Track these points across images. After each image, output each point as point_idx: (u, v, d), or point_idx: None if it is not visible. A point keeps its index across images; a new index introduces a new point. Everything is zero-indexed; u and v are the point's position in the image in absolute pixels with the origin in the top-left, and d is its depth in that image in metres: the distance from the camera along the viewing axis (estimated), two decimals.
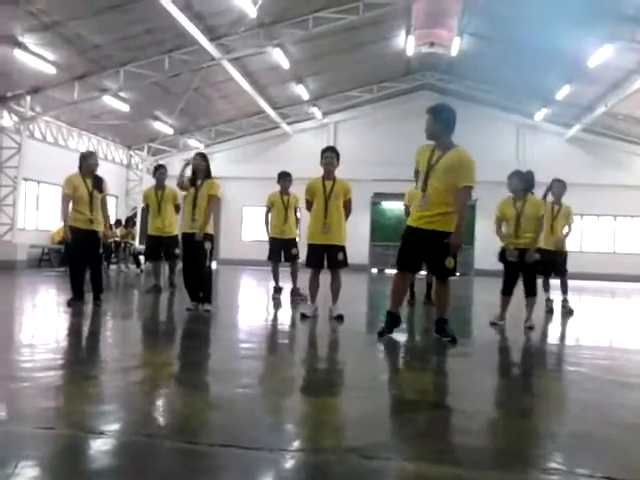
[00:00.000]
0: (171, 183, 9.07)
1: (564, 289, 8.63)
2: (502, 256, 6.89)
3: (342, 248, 6.90)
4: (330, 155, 6.94)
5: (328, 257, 6.85)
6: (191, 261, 7.15)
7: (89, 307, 7.19)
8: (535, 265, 6.78)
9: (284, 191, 9.11)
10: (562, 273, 8.62)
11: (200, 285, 7.19)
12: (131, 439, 2.65)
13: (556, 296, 8.66)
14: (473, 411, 3.32)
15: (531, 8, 13.55)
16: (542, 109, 21.40)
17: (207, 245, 7.03)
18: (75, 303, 7.23)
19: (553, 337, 7.09)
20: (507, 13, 14.23)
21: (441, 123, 5.40)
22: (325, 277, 7.02)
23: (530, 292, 6.80)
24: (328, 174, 6.91)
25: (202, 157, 7.22)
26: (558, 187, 8.39)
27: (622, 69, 16.42)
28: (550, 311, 8.39)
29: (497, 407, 3.56)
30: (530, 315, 6.77)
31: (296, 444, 2.67)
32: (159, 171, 9.63)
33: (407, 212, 7.08)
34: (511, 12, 14.06)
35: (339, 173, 7.00)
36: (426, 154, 5.44)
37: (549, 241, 8.29)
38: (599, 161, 22.05)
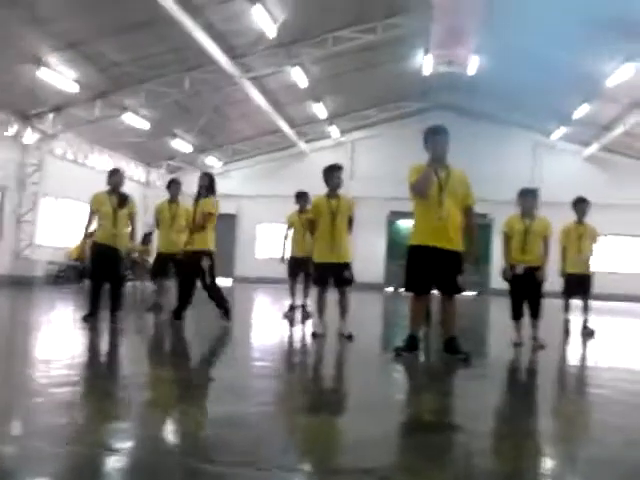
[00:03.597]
0: (184, 199, 9.09)
1: (585, 310, 8.47)
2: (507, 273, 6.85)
3: (348, 265, 6.88)
4: (338, 175, 6.93)
5: (335, 275, 6.82)
6: (189, 277, 7.61)
7: (105, 324, 7.22)
8: (539, 286, 6.73)
9: (302, 210, 9.17)
10: (586, 295, 8.45)
11: (187, 302, 7.60)
12: (146, 457, 2.63)
13: (576, 316, 8.52)
14: (491, 433, 3.26)
15: (549, 27, 13.55)
16: (560, 127, 21.32)
17: (203, 262, 7.33)
18: (89, 319, 7.27)
19: (572, 358, 6.97)
20: (525, 31, 14.24)
21: (449, 143, 5.51)
22: (332, 295, 6.97)
23: (534, 314, 6.74)
24: (334, 192, 6.90)
25: (205, 176, 7.78)
26: (582, 207, 8.26)
27: None
28: (567, 332, 8.25)
29: (515, 429, 3.49)
30: (536, 334, 6.68)
31: (312, 465, 2.63)
32: (173, 185, 9.30)
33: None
34: (529, 30, 14.08)
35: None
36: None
37: (574, 263, 8.17)
38: (617, 180, 21.87)
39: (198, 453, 2.68)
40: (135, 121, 17.74)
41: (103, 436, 2.91)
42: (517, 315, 6.78)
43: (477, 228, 5.60)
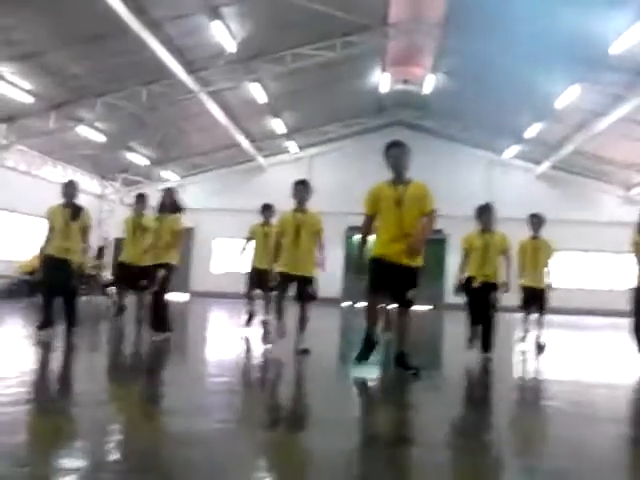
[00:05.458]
0: (149, 212, 9.11)
1: (539, 324, 8.66)
2: (466, 286, 7.05)
3: (311, 280, 6.93)
4: (300, 189, 7.02)
5: (297, 288, 6.89)
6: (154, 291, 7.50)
7: (59, 340, 7.05)
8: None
9: (266, 222, 9.29)
10: (542, 309, 8.56)
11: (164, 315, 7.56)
12: (103, 477, 2.60)
13: (531, 330, 8.73)
14: (446, 446, 3.34)
15: (503, 48, 14.03)
16: (512, 146, 21.95)
17: (159, 272, 7.30)
18: (44, 328, 7.09)
19: (525, 371, 7.17)
20: (480, 53, 14.69)
21: (409, 157, 5.62)
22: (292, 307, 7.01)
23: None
24: (300, 206, 7.00)
25: (169, 192, 7.73)
26: (536, 222, 8.49)
27: (587, 110, 17.02)
28: (521, 345, 8.46)
29: (470, 442, 3.58)
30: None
31: None
32: (140, 199, 9.55)
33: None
34: (484, 52, 14.52)
35: (314, 205, 7.09)
36: (388, 191, 5.56)
37: (531, 277, 8.38)
38: (568, 197, 22.63)
39: (157, 472, 2.66)
40: (90, 134, 17.45)
41: (58, 456, 2.87)
42: (475, 322, 7.02)
43: (429, 230, 5.49)
